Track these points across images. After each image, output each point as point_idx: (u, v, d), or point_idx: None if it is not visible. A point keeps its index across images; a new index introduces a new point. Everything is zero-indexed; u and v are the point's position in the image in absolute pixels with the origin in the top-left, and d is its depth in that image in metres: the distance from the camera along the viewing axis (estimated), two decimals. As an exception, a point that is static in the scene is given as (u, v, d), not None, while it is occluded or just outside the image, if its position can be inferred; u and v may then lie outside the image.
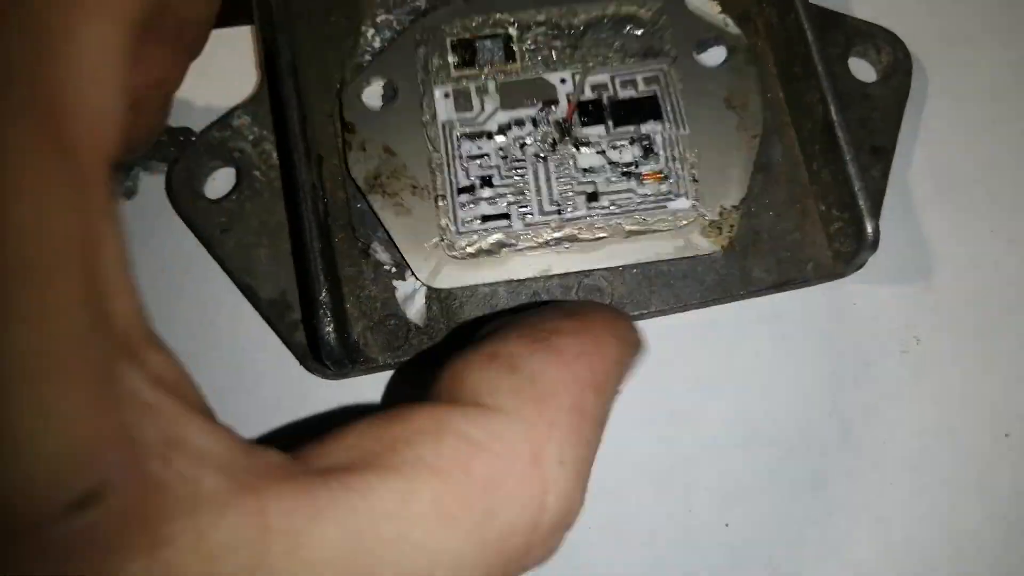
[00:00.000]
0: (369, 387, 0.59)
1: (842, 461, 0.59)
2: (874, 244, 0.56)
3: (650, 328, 0.56)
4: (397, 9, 0.65)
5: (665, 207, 0.60)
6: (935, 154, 0.66)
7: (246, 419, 0.55)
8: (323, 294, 0.54)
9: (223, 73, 0.66)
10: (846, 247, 0.59)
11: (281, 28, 0.58)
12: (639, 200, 0.60)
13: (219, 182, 0.62)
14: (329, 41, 0.64)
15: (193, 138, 0.62)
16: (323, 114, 0.62)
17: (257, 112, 0.62)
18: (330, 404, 0.59)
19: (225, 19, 0.65)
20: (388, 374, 0.59)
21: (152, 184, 0.63)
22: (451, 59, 0.63)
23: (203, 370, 0.59)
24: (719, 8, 0.65)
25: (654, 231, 0.60)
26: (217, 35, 0.63)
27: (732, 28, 0.65)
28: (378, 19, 0.65)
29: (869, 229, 0.56)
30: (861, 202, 0.56)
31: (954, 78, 0.68)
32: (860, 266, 0.60)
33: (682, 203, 0.60)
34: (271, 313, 0.58)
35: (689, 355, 0.60)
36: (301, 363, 0.58)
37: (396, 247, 0.59)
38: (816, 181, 0.61)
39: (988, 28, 0.70)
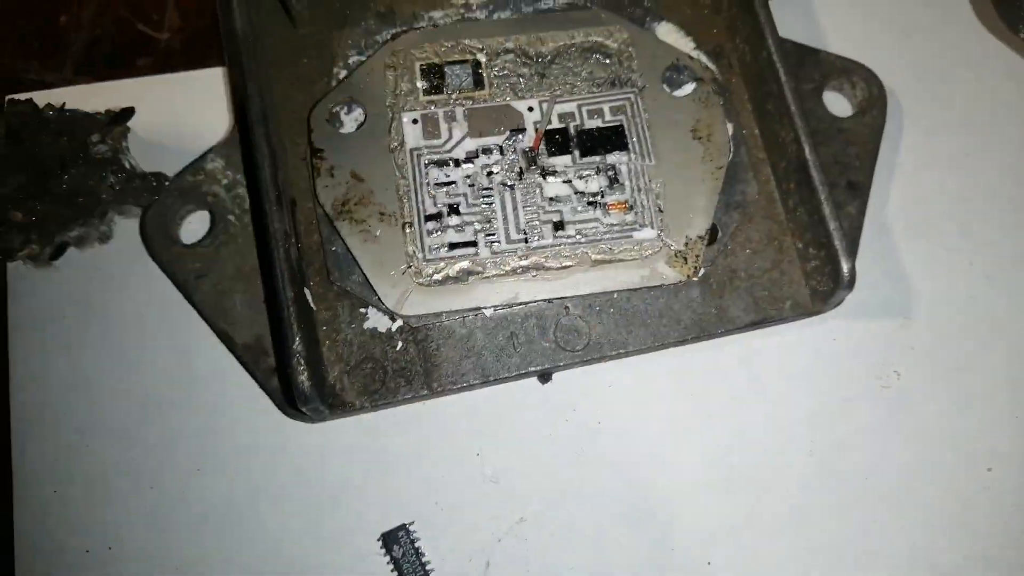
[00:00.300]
0: (348, 430, 0.58)
1: (823, 498, 0.58)
2: (850, 284, 0.55)
3: (626, 368, 0.57)
4: (368, 51, 0.64)
5: (631, 236, 0.59)
6: (911, 188, 0.65)
7: (225, 463, 0.56)
8: (296, 342, 0.52)
9: (196, 115, 0.65)
10: (823, 286, 0.58)
11: (252, 75, 0.57)
12: (604, 229, 0.59)
13: (194, 225, 0.61)
14: (301, 84, 0.63)
15: (167, 182, 0.60)
16: (297, 157, 0.61)
17: (230, 155, 0.61)
18: (309, 448, 0.58)
19: (197, 61, 0.64)
20: (368, 416, 0.58)
21: (127, 228, 0.62)
22: (420, 84, 0.62)
23: (182, 415, 0.60)
24: (692, 44, 0.65)
25: (620, 260, 0.59)
26: (189, 77, 0.64)
27: (702, 60, 0.64)
28: (350, 60, 0.64)
29: (845, 269, 0.55)
30: (837, 241, 0.55)
31: (929, 112, 0.67)
32: (838, 304, 0.59)
33: (647, 233, 0.59)
34: (247, 358, 0.57)
35: (665, 396, 0.59)
36: (279, 408, 0.57)
37: (364, 276, 0.57)
38: (793, 219, 0.60)
39: (961, 62, 0.69)
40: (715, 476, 0.57)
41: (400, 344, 0.58)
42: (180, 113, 0.64)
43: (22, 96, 0.62)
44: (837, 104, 0.65)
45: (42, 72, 0.66)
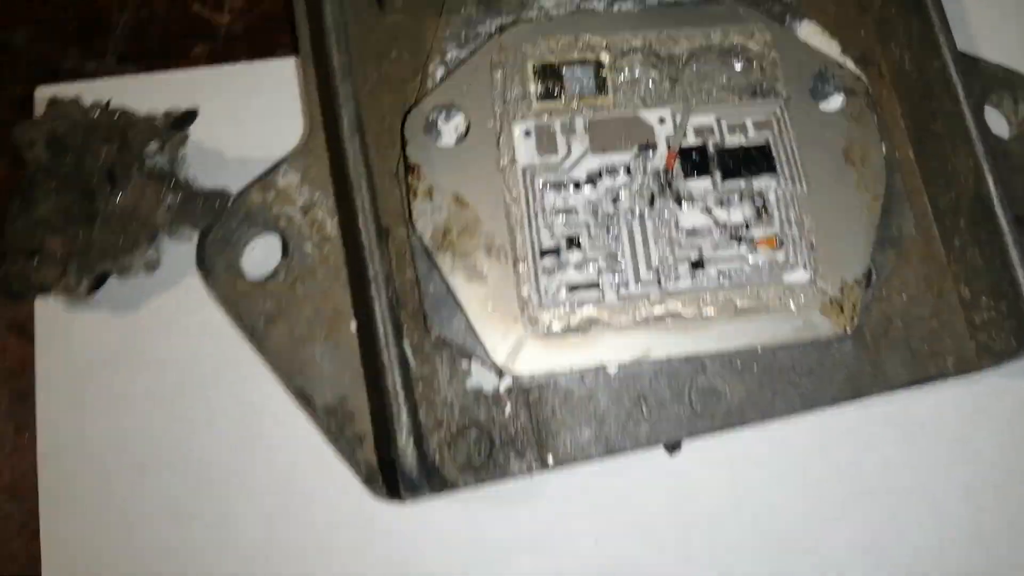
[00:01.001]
0: (445, 510, 0.48)
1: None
2: None
3: (762, 432, 0.48)
4: (471, 43, 0.53)
5: (781, 280, 0.49)
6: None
7: (298, 550, 0.46)
8: (403, 417, 0.43)
9: (262, 114, 0.54)
10: (998, 343, 0.49)
11: (343, 74, 0.47)
12: (751, 271, 0.49)
13: (259, 252, 0.50)
14: (391, 82, 0.52)
15: (229, 202, 0.49)
16: (386, 174, 0.50)
17: (307, 167, 0.50)
18: (399, 532, 0.48)
19: (263, 49, 0.54)
20: (465, 493, 0.47)
21: (180, 254, 0.51)
22: (533, 88, 0.51)
23: (246, 489, 0.48)
24: (838, 47, 0.54)
25: (768, 309, 0.49)
26: (254, 68, 0.53)
27: (850, 67, 0.54)
28: (448, 55, 0.52)
29: None
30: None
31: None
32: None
33: (799, 275, 0.49)
34: (329, 424, 0.47)
35: (808, 466, 0.50)
36: (364, 483, 0.46)
37: (468, 322, 0.47)
38: (958, 260, 0.51)
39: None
40: (864, 565, 0.49)
41: (509, 408, 0.48)
42: (243, 112, 0.53)
43: (66, 93, 0.50)
44: (993, 121, 0.54)
45: (81, 60, 0.56)
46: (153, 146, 0.49)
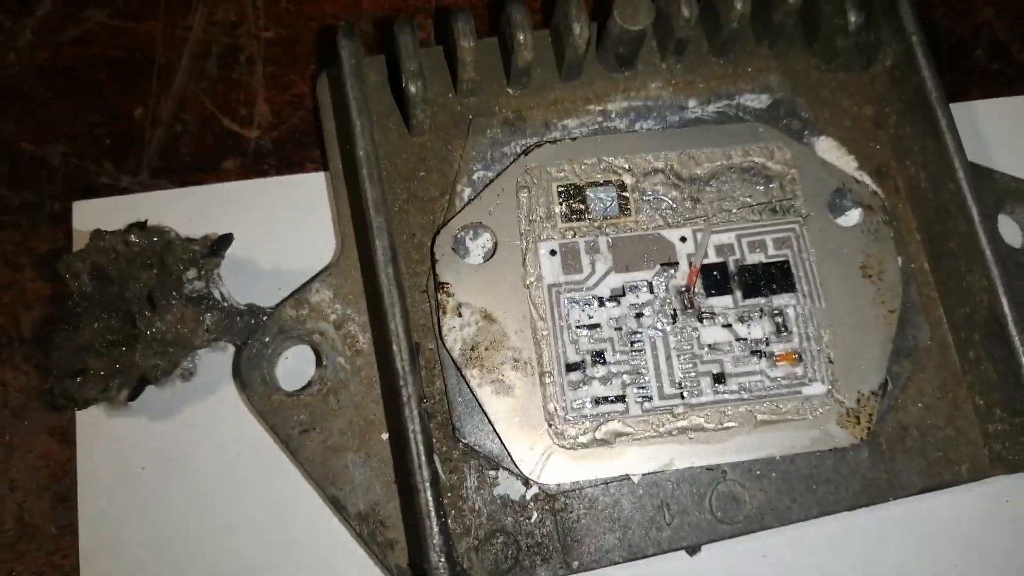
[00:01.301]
0: None
1: None
2: None
3: (780, 535, 0.52)
4: (497, 164, 0.56)
5: (799, 393, 0.53)
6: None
7: None
8: (435, 532, 0.47)
9: (293, 228, 0.58)
10: (1013, 454, 0.53)
11: (378, 205, 0.51)
12: (771, 384, 0.53)
13: (293, 361, 0.54)
14: (419, 201, 0.56)
15: (264, 317, 0.53)
16: (416, 289, 0.54)
17: (339, 285, 0.54)
18: None
19: (292, 163, 0.58)
20: None
21: (215, 364, 0.55)
22: (558, 209, 0.55)
23: None
24: (855, 162, 0.58)
25: (787, 420, 0.53)
26: (284, 183, 0.57)
27: (868, 184, 0.58)
28: (475, 175, 0.56)
29: None
30: None
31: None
32: (1023, 470, 0.53)
33: (817, 388, 0.53)
34: (362, 530, 0.50)
35: (823, 567, 0.54)
36: (398, 584, 0.50)
37: (496, 434, 0.51)
38: (972, 371, 0.55)
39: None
40: None
41: (535, 515, 0.51)
42: (275, 225, 0.57)
43: (102, 208, 0.56)
44: (1006, 229, 0.59)
45: (116, 175, 0.60)
46: (192, 273, 0.52)
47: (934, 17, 0.65)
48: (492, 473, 0.52)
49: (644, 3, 0.54)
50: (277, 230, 0.57)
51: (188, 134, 0.61)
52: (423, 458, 0.47)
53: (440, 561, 0.47)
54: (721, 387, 0.53)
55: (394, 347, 0.48)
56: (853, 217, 0.57)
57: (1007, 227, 0.59)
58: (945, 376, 0.55)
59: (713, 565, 0.53)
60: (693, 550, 0.53)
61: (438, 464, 0.50)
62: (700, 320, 0.54)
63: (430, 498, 0.47)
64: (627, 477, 0.52)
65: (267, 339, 0.53)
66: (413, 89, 0.53)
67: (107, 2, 0.63)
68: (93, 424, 0.54)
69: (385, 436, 0.51)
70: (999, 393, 0.53)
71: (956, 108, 0.58)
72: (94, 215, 0.57)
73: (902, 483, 0.53)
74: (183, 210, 0.56)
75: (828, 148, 0.59)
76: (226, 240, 0.54)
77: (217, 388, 0.55)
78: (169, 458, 0.54)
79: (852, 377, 0.53)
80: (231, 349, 0.54)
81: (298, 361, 0.54)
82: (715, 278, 0.55)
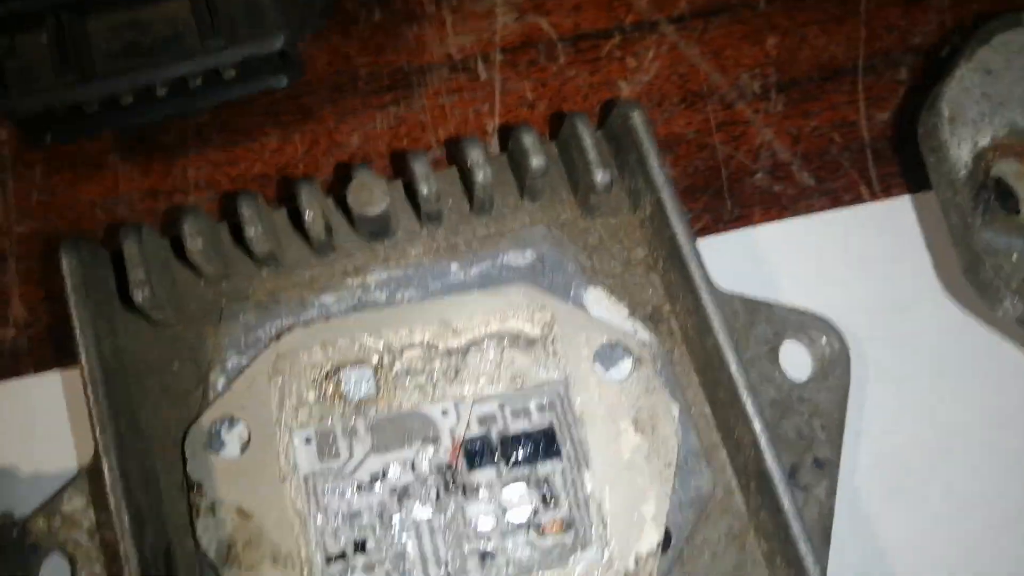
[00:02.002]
0: None
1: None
2: None
3: None
4: (251, 349, 0.62)
5: (569, 562, 0.58)
6: (881, 450, 0.66)
7: None
8: None
9: (49, 432, 0.63)
10: None
11: (96, 383, 0.56)
12: (541, 556, 0.58)
13: (49, 570, 0.58)
14: (173, 396, 0.61)
15: (15, 531, 0.58)
16: (174, 486, 0.59)
17: (92, 491, 0.59)
18: None
19: (50, 361, 0.64)
20: None
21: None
22: (311, 394, 0.60)
23: None
24: (626, 309, 0.64)
25: None
26: (40, 382, 0.62)
27: (639, 333, 0.64)
28: (228, 364, 0.61)
29: None
30: (808, 563, 0.56)
31: (892, 359, 0.69)
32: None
33: (592, 554, 0.59)
34: None
35: None
36: None
37: None
38: (754, 516, 0.60)
39: (921, 297, 0.70)
40: None
41: None
42: (28, 431, 0.62)
43: None
44: (794, 357, 0.65)
45: None
46: None
47: (711, 142, 0.71)
48: None
49: (379, 186, 0.59)
50: (31, 436, 0.62)
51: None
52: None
53: None
54: (488, 564, 0.58)
55: (122, 556, 0.53)
56: (623, 370, 0.62)
57: (794, 354, 0.65)
58: (731, 521, 0.60)
59: None
60: None
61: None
62: (465, 496, 0.59)
63: None
64: None
65: (18, 553, 0.57)
66: (139, 298, 0.58)
67: None
68: None
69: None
70: (776, 544, 0.58)
71: (739, 235, 0.67)
72: None
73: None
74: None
75: (597, 299, 0.64)
76: None
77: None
78: None
79: (629, 536, 0.58)
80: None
81: (53, 571, 0.58)
82: (478, 450, 0.60)
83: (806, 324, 0.65)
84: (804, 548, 0.56)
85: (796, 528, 0.56)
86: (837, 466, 0.62)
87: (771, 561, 0.59)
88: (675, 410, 0.61)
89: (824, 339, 0.65)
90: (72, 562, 0.58)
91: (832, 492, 0.61)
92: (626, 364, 0.62)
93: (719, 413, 0.62)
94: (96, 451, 0.57)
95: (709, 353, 0.60)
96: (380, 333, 0.62)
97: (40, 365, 0.65)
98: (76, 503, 0.59)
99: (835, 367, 0.65)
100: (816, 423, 0.63)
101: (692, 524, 0.60)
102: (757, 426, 0.58)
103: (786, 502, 0.57)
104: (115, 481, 0.55)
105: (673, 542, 0.59)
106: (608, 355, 0.62)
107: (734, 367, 0.59)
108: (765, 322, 0.64)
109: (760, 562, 0.60)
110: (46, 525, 0.59)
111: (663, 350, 0.63)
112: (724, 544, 0.60)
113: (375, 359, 0.62)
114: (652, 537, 0.59)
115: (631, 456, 0.60)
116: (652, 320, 0.64)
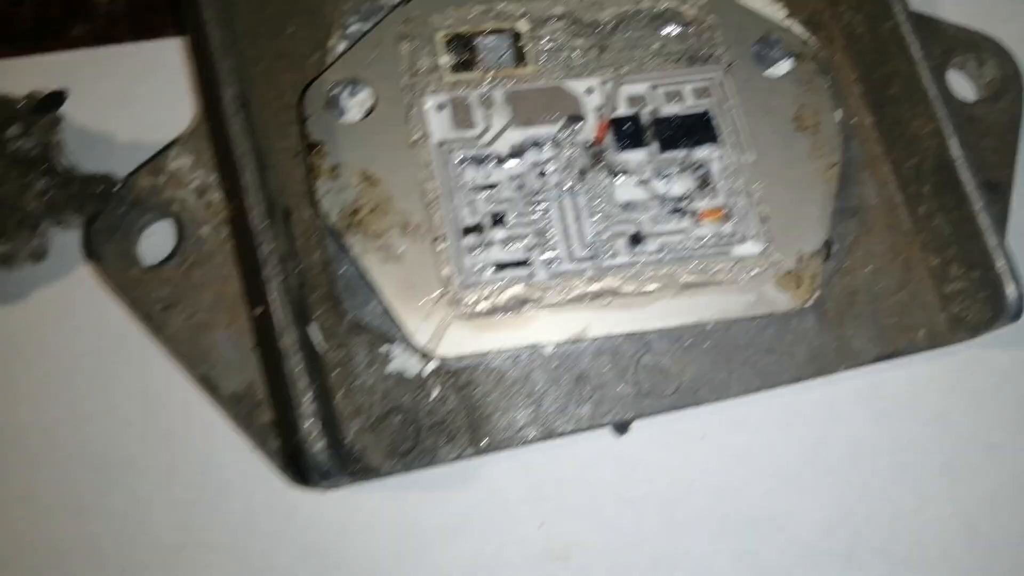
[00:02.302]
0: (373, 498, 0.52)
1: (970, 572, 0.53)
2: (1018, 313, 0.52)
3: (721, 412, 0.52)
4: (374, 16, 0.57)
5: (728, 253, 0.54)
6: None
7: (214, 544, 0.50)
8: (305, 403, 0.46)
9: (150, 98, 0.58)
10: (972, 314, 0.54)
11: (221, 47, 0.51)
12: (696, 244, 0.54)
13: (156, 238, 0.54)
14: (289, 59, 0.56)
15: (116, 186, 0.53)
16: (287, 153, 0.54)
17: (200, 150, 0.54)
18: (322, 522, 0.52)
19: (147, 29, 0.58)
20: (396, 478, 0.51)
21: (68, 242, 0.55)
22: (444, 59, 0.56)
23: (155, 481, 0.51)
24: (784, 10, 0.60)
25: (717, 283, 0.53)
26: (138, 50, 0.58)
27: (798, 30, 0.59)
28: (349, 28, 0.57)
29: (1011, 295, 0.51)
30: (999, 262, 0.52)
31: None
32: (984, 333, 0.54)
33: (750, 247, 0.54)
34: (237, 413, 0.50)
35: (771, 445, 0.54)
36: (282, 471, 0.50)
37: (384, 303, 0.51)
38: (924, 228, 0.56)
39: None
40: (836, 544, 0.53)
41: (436, 391, 0.51)
42: (129, 95, 0.57)
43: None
44: (958, 84, 0.61)
45: None
46: (15, 130, 0.51)
47: None
48: (384, 348, 0.52)
49: None
50: (133, 100, 0.58)
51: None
52: (289, 322, 0.47)
53: (313, 431, 0.46)
54: (639, 249, 0.53)
55: (248, 200, 0.49)
56: (782, 67, 0.58)
57: (960, 81, 0.61)
58: (895, 237, 0.56)
59: (645, 448, 0.53)
60: (621, 429, 0.53)
61: (318, 334, 0.50)
62: (612, 176, 0.55)
63: (299, 363, 0.47)
64: (537, 347, 0.52)
65: (121, 210, 0.53)
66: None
67: None
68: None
69: (259, 311, 0.51)
70: (954, 248, 0.54)
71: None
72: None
73: (853, 352, 0.54)
74: (26, 81, 0.55)
75: (756, -1, 0.59)
76: (56, 97, 0.53)
77: (72, 270, 0.54)
78: (21, 346, 0.53)
79: (790, 236, 0.54)
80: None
81: (158, 238, 0.54)
82: (628, 131, 0.56)
83: (978, 45, 0.61)
84: (992, 241, 0.52)
85: (983, 220, 0.52)
86: (1010, 190, 0.58)
87: (943, 275, 0.55)
88: (838, 114, 0.57)
89: (995, 61, 0.61)
90: (179, 221, 0.54)
91: (1003, 218, 0.57)
92: (785, 62, 0.58)
93: (885, 118, 0.58)
94: (205, 112, 0.54)
95: (882, 45, 0.56)
96: (519, 3, 0.58)
97: (137, 34, 0.60)
98: (183, 161, 0.54)
99: (1008, 91, 0.60)
100: (987, 144, 0.58)
101: (854, 235, 0.56)
102: (939, 111, 0.54)
103: (971, 189, 0.53)
104: (239, 134, 0.50)
105: (834, 250, 0.55)
106: (767, 53, 0.58)
107: (914, 48, 0.55)
108: (933, 38, 0.59)
109: (927, 281, 0.56)
110: (150, 182, 0.54)
111: (825, 53, 0.59)
112: (888, 259, 0.56)
113: (514, 28, 0.57)
114: (816, 238, 0.54)
115: (793, 153, 0.56)
116: (812, 24, 0.60)
